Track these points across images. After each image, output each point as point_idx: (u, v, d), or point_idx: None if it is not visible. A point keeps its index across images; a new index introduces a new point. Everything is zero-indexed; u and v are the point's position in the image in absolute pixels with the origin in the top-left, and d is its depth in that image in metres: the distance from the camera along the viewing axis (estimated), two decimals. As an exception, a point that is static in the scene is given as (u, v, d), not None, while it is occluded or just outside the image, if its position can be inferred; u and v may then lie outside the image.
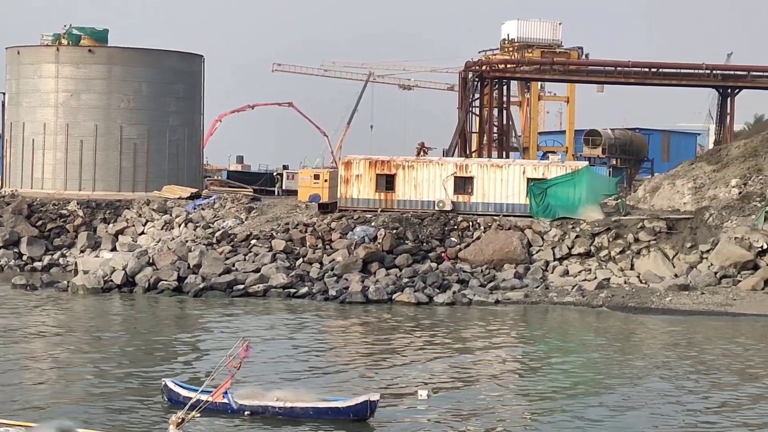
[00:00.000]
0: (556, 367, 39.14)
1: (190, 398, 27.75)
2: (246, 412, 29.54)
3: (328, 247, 60.74)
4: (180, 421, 25.15)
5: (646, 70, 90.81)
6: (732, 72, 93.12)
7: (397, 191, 65.48)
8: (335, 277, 57.47)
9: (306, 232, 61.93)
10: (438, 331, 46.42)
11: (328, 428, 29.01)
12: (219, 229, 64.18)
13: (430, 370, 37.53)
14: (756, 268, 56.92)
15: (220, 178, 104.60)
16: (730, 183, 67.22)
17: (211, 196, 73.85)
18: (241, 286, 56.22)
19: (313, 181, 71.63)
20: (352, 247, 59.62)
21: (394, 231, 60.86)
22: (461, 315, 51.44)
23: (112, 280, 57.37)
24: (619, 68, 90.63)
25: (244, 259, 59.61)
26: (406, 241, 60.65)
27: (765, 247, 57.19)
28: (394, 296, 55.15)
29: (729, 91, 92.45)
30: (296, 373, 36.46)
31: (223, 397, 28.46)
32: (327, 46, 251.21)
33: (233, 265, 58.76)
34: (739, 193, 65.58)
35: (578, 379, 37.01)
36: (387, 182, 65.72)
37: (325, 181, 70.87)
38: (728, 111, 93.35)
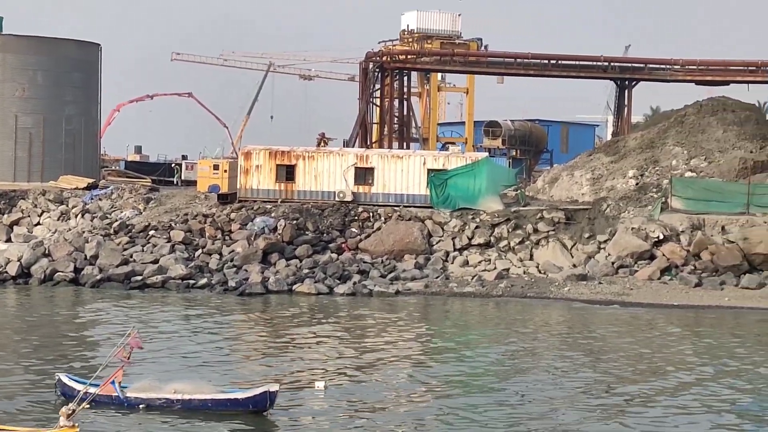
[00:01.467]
0: (453, 357, 39.21)
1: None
2: (141, 405, 29.11)
3: (227, 238, 60.29)
4: (71, 412, 24.92)
5: (546, 62, 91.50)
6: (629, 64, 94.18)
7: (298, 182, 65.15)
8: (235, 268, 57.06)
9: (205, 223, 61.41)
10: (338, 323, 46.31)
11: (227, 420, 28.70)
12: (116, 220, 63.32)
13: (328, 361, 37.38)
14: (652, 258, 57.67)
15: (117, 168, 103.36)
16: (627, 174, 68.10)
17: (108, 187, 72.82)
18: (139, 278, 55.55)
19: (212, 171, 70.93)
20: (252, 238, 59.24)
21: (295, 222, 60.63)
22: (361, 306, 51.31)
23: (6, 272, 56.41)
24: (518, 60, 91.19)
25: (142, 250, 58.93)
26: (307, 232, 60.44)
27: (661, 237, 57.99)
28: (294, 287, 54.93)
29: (626, 83, 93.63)
30: (194, 364, 36.05)
31: (113, 388, 28.07)
32: (226, 35, 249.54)
33: (131, 256, 58.08)
34: (636, 184, 66.47)
35: (475, 369, 37.09)
36: (287, 173, 65.34)
37: (225, 171, 70.20)
38: (626, 103, 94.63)
